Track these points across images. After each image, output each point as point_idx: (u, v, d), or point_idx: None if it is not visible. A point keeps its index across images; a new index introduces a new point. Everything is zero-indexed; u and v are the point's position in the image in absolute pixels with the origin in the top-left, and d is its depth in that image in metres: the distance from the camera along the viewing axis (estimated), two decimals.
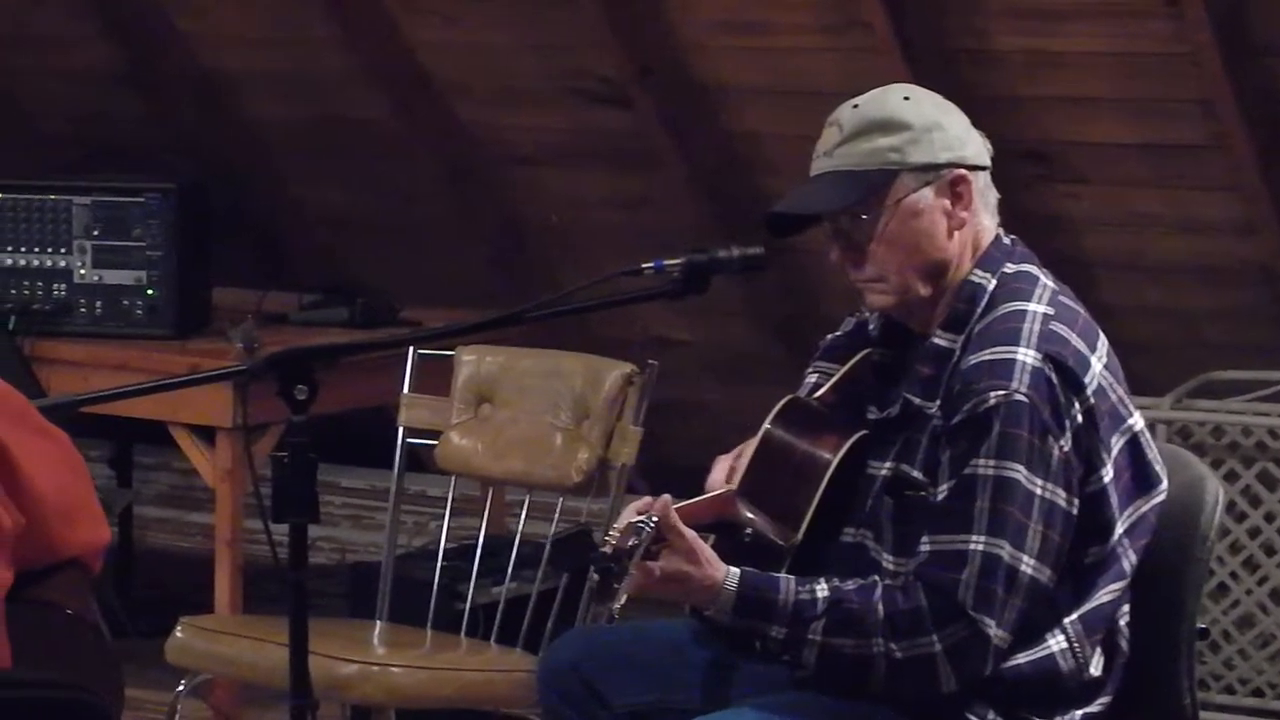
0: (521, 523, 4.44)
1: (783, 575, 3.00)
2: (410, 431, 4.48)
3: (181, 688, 4.21)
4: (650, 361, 4.26)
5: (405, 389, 4.50)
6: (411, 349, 4.49)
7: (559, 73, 5.34)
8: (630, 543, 2.94)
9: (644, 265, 3.17)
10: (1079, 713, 3.03)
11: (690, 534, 2.97)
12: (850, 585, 2.97)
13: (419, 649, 4.27)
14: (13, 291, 4.96)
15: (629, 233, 5.24)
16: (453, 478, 4.46)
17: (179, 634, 4.17)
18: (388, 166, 5.81)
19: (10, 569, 2.15)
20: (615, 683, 3.41)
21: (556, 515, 4.29)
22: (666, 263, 3.14)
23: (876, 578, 2.97)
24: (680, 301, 3.25)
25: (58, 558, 2.27)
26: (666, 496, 2.97)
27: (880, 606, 2.89)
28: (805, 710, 3.06)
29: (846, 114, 3.05)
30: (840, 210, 3.06)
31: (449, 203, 5.82)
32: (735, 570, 2.97)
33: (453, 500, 4.46)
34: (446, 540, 4.46)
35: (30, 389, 2.76)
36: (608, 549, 3.00)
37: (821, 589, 2.96)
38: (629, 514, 3.06)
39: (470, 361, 4.45)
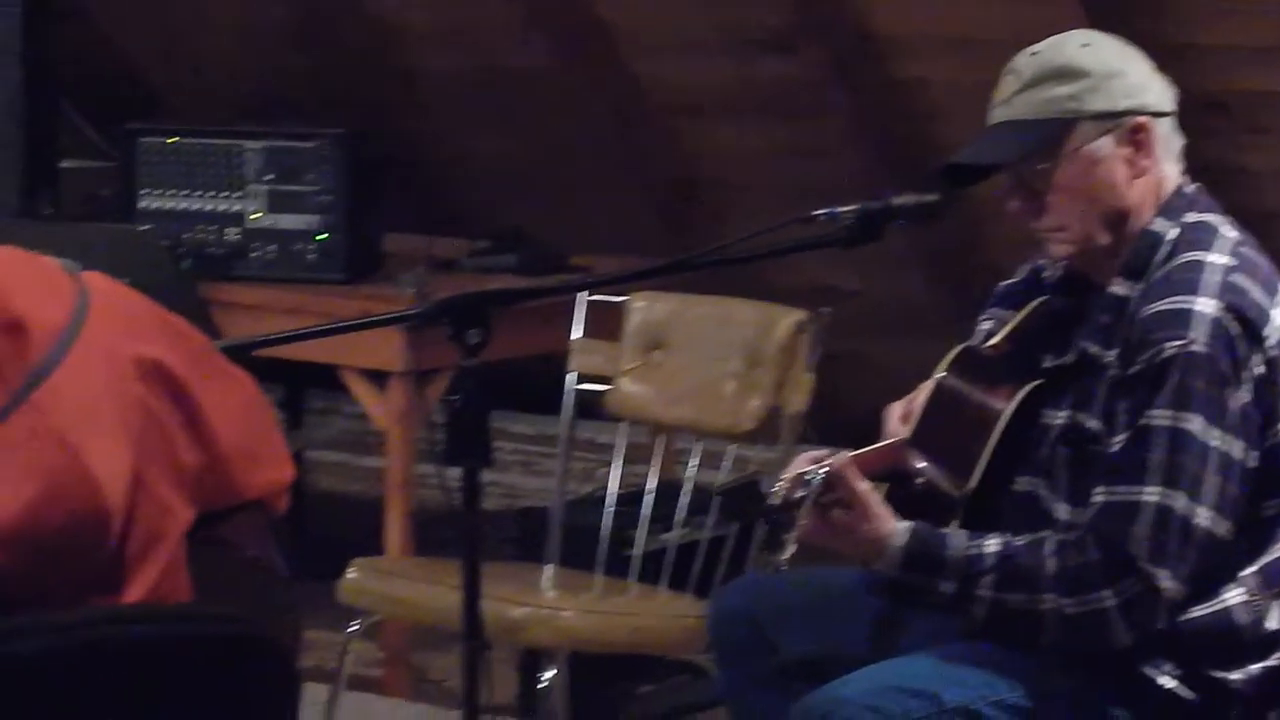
0: (691, 470, 4.47)
1: (952, 530, 3.03)
2: (581, 378, 4.50)
3: (354, 627, 4.27)
4: (823, 309, 4.27)
5: (577, 334, 4.53)
6: (583, 295, 4.52)
7: (727, 22, 5.32)
8: (799, 494, 2.97)
9: (817, 212, 3.17)
10: (1256, 667, 3.01)
11: (861, 487, 2.99)
12: (1020, 540, 2.98)
13: (590, 593, 4.32)
14: (186, 235, 5.02)
15: (796, 182, 5.24)
16: (623, 424, 4.50)
17: (352, 574, 4.23)
18: (556, 116, 5.83)
19: (192, 508, 2.18)
20: (785, 630, 3.44)
21: (727, 463, 4.32)
22: (840, 210, 3.15)
23: (1049, 532, 2.98)
24: (851, 251, 3.26)
25: (240, 498, 2.29)
26: (844, 453, 3.00)
27: (1051, 561, 2.90)
28: (977, 660, 3.08)
29: (1024, 61, 3.07)
30: (1018, 160, 3.08)
31: (616, 151, 5.84)
32: (905, 525, 2.99)
33: (623, 446, 4.50)
34: (615, 490, 4.50)
35: (208, 331, 2.80)
36: (776, 500, 3.03)
37: (991, 544, 2.98)
38: (800, 464, 3.09)
39: (642, 308, 4.46)
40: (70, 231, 3.43)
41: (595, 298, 4.50)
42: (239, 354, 2.55)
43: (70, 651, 1.97)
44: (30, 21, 4.96)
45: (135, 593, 2.10)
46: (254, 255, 5.08)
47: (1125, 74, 3.02)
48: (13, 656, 1.92)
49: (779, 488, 3.03)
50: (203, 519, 2.21)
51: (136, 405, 2.13)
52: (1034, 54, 3.05)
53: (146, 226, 4.97)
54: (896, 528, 3.00)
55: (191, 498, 2.18)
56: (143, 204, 5.12)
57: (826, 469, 2.94)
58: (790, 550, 3.11)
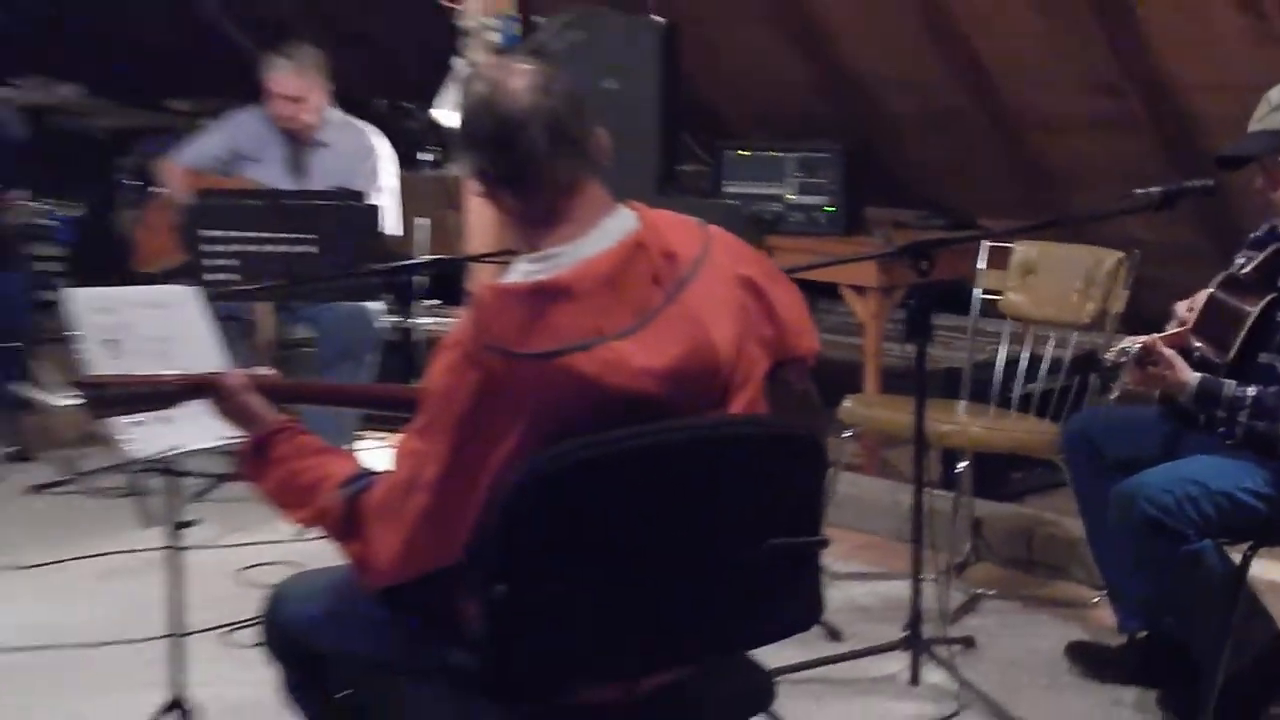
0: (1049, 348, 4.50)
1: (1226, 380, 3.13)
2: (984, 292, 4.56)
3: (847, 434, 4.39)
4: (1134, 251, 4.27)
5: (981, 266, 4.58)
6: (985, 242, 4.58)
7: (1076, 69, 5.21)
8: (1121, 359, 3.10)
9: (1138, 190, 3.27)
10: None
11: (1168, 351, 3.18)
12: (1271, 389, 3.12)
13: (986, 417, 4.35)
14: (754, 207, 5.13)
15: (1117, 170, 5.13)
16: (1007, 320, 4.54)
17: (846, 404, 4.37)
18: (966, 138, 5.76)
19: (768, 360, 2.20)
20: (1109, 442, 3.53)
21: (1073, 343, 4.37)
22: (1150, 190, 3.26)
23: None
24: (1153, 214, 3.36)
25: (793, 355, 2.28)
26: (1151, 335, 3.20)
27: None
28: (1235, 463, 3.19)
29: (1275, 92, 3.26)
30: (1264, 153, 3.24)
31: (1000, 154, 5.75)
32: (1196, 375, 3.17)
33: (1007, 333, 4.53)
34: (1003, 358, 4.53)
35: None
36: (1108, 362, 3.14)
37: (1250, 390, 3.13)
38: (1122, 341, 3.19)
39: (1021, 249, 4.50)
40: (692, 205, 3.57)
41: (993, 244, 4.56)
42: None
43: (702, 440, 2.06)
44: (666, 50, 4.99)
45: (736, 408, 2.13)
46: (791, 220, 5.17)
47: None
48: (671, 443, 2.01)
49: (1110, 354, 3.15)
50: (774, 367, 2.23)
51: (737, 301, 2.15)
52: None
53: (733, 203, 5.11)
54: (1192, 375, 3.16)
55: (767, 354, 2.20)
56: (727, 189, 5.27)
57: (1141, 342, 3.09)
58: (1116, 393, 3.22)
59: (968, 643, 3.80)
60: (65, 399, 2.28)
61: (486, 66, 2.23)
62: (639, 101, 4.99)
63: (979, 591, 4.20)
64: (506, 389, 1.97)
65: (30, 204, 5.16)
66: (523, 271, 2.05)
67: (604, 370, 1.97)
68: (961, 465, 4.19)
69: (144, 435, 2.57)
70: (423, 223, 5.55)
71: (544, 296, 1.99)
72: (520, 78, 2.08)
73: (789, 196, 5.20)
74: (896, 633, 3.62)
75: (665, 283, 2.06)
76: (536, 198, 2.09)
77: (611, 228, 2.09)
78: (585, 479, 1.95)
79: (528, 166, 2.06)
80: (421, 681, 2.19)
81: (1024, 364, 4.46)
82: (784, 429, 2.18)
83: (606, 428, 1.96)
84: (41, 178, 5.48)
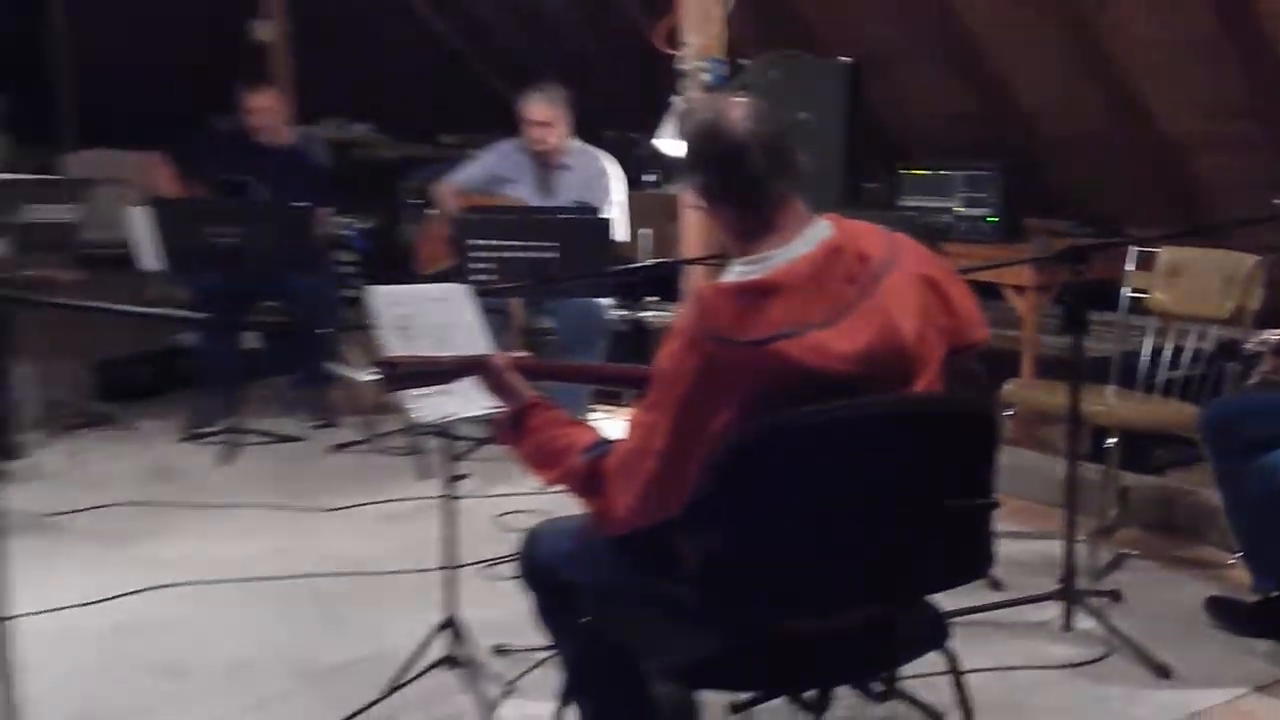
0: (1192, 340, 4.30)
1: None
2: (1133, 290, 4.39)
3: (1008, 413, 4.29)
4: (1268, 255, 4.09)
5: (1129, 267, 4.41)
6: (1133, 247, 4.42)
7: (1218, 96, 5.03)
8: (1261, 348, 2.94)
9: (1276, 200, 3.14)
10: None
11: None
12: None
13: (1133, 400, 4.20)
14: (927, 219, 5.02)
15: (1248, 179, 4.92)
16: (1151, 316, 4.36)
17: (1008, 387, 4.27)
18: (1114, 159, 5.58)
19: (945, 347, 2.17)
20: (1246, 422, 3.36)
21: (1213, 336, 4.19)
22: None
23: None
24: None
25: (966, 343, 2.25)
26: None
27: None
28: None
29: None
30: None
31: (1148, 175, 5.57)
32: None
33: (1153, 327, 4.36)
34: (1149, 349, 4.34)
35: None
36: (1248, 351, 2.99)
37: None
38: (1260, 334, 3.04)
39: (1167, 254, 4.32)
40: (873, 217, 3.51)
41: (1141, 248, 4.39)
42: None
43: (890, 414, 2.05)
44: (852, 86, 4.91)
45: (919, 387, 2.10)
46: (958, 229, 5.05)
47: None
48: (864, 416, 2.01)
49: (1250, 344, 3.00)
50: (950, 352, 2.19)
51: (920, 297, 2.12)
52: None
53: (909, 214, 5.03)
54: None
55: (945, 342, 2.17)
56: (903, 204, 5.18)
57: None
58: (1255, 379, 3.06)
59: (1114, 595, 3.67)
60: (366, 375, 2.33)
61: (707, 101, 2.24)
62: (828, 129, 4.94)
63: (1124, 551, 4.04)
64: (723, 370, 1.98)
65: (335, 219, 5.33)
66: (738, 272, 2.07)
67: (807, 354, 1.97)
68: (1110, 441, 4.04)
69: (426, 405, 2.64)
70: (645, 232, 5.60)
71: (757, 293, 2.00)
72: (738, 110, 2.11)
73: (956, 209, 5.09)
74: (1051, 585, 3.53)
75: (859, 281, 2.05)
76: (751, 211, 2.10)
77: (812, 235, 2.09)
78: (788, 445, 1.95)
79: (746, 185, 2.08)
80: (648, 609, 2.21)
81: (1168, 354, 4.28)
82: (962, 405, 2.15)
83: (807, 403, 1.95)
84: (343, 198, 5.65)
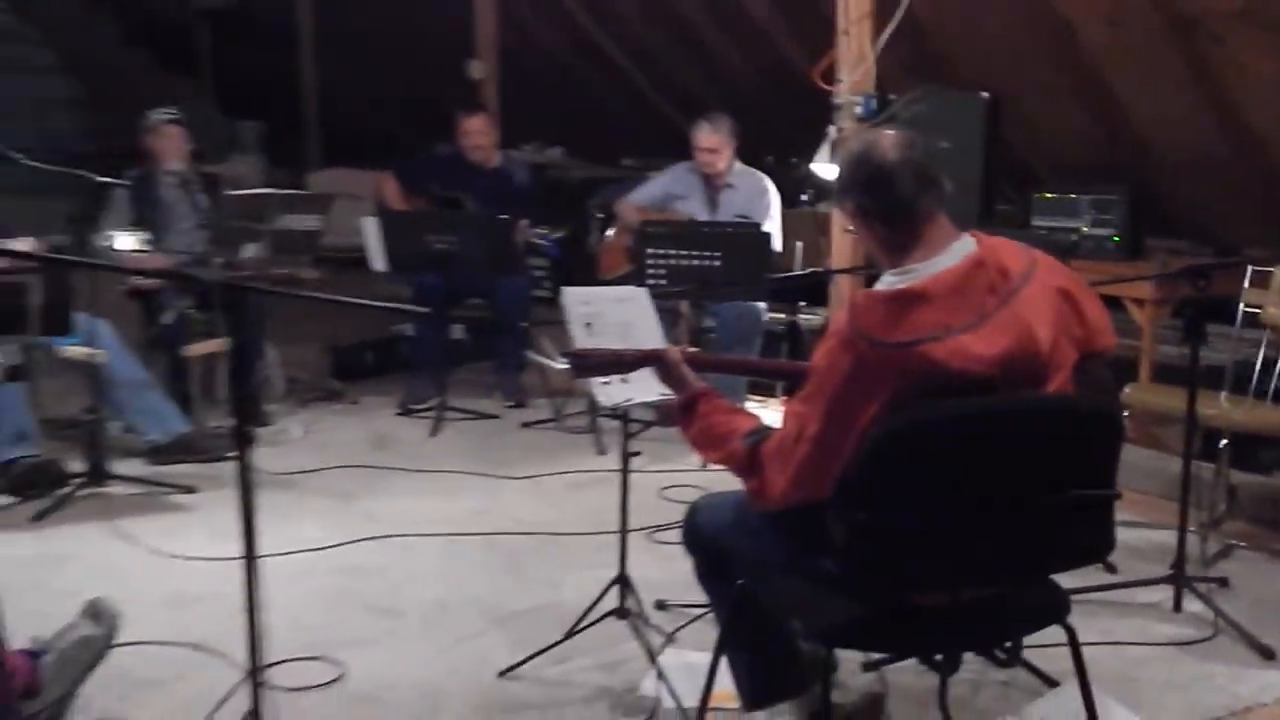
0: None
1: None
2: (1246, 305, 4.14)
3: (1125, 414, 4.08)
4: None
5: (1245, 285, 4.17)
6: (1249, 266, 4.17)
7: None
8: None
9: None
10: None
11: None
12: None
13: (1245, 405, 3.95)
14: (1054, 237, 4.83)
15: None
16: (1267, 330, 4.12)
17: (1126, 390, 4.10)
18: (1230, 179, 5.27)
19: (1075, 354, 2.10)
20: None
21: None
22: None
23: None
24: None
25: (1095, 349, 2.17)
26: None
27: None
28: None
29: None
30: None
31: (1258, 194, 5.24)
32: None
33: (1266, 339, 4.13)
34: (1261, 359, 4.10)
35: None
36: None
37: None
38: None
39: None
40: (1010, 236, 3.41)
41: (1256, 267, 4.14)
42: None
43: (1025, 410, 1.99)
44: (989, 118, 4.75)
45: (1051, 388, 2.04)
46: (1084, 247, 4.84)
47: None
48: (1000, 411, 1.96)
49: None
50: (1080, 358, 2.12)
51: (1055, 307, 2.06)
52: None
53: (1040, 233, 4.86)
54: None
55: (1076, 348, 2.10)
56: (1034, 224, 5.00)
57: None
58: None
59: (1222, 582, 3.49)
60: (558, 363, 2.34)
61: (860, 132, 2.20)
62: (967, 156, 4.79)
63: (1232, 543, 3.83)
64: (872, 368, 1.95)
65: (532, 229, 5.39)
66: (888, 282, 2.04)
67: (950, 356, 1.92)
68: (1223, 443, 3.84)
69: (609, 390, 2.65)
70: (799, 245, 5.54)
71: (905, 300, 1.97)
72: (889, 138, 2.08)
73: (1083, 229, 4.88)
74: (1162, 571, 3.38)
75: (999, 291, 2.00)
76: (900, 228, 2.06)
77: (957, 250, 2.04)
78: (931, 436, 1.91)
79: (895, 204, 2.05)
80: (796, 576, 2.18)
81: None
82: (1090, 405, 2.08)
83: (948, 400, 1.91)
84: (538, 212, 5.71)
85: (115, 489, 4.13)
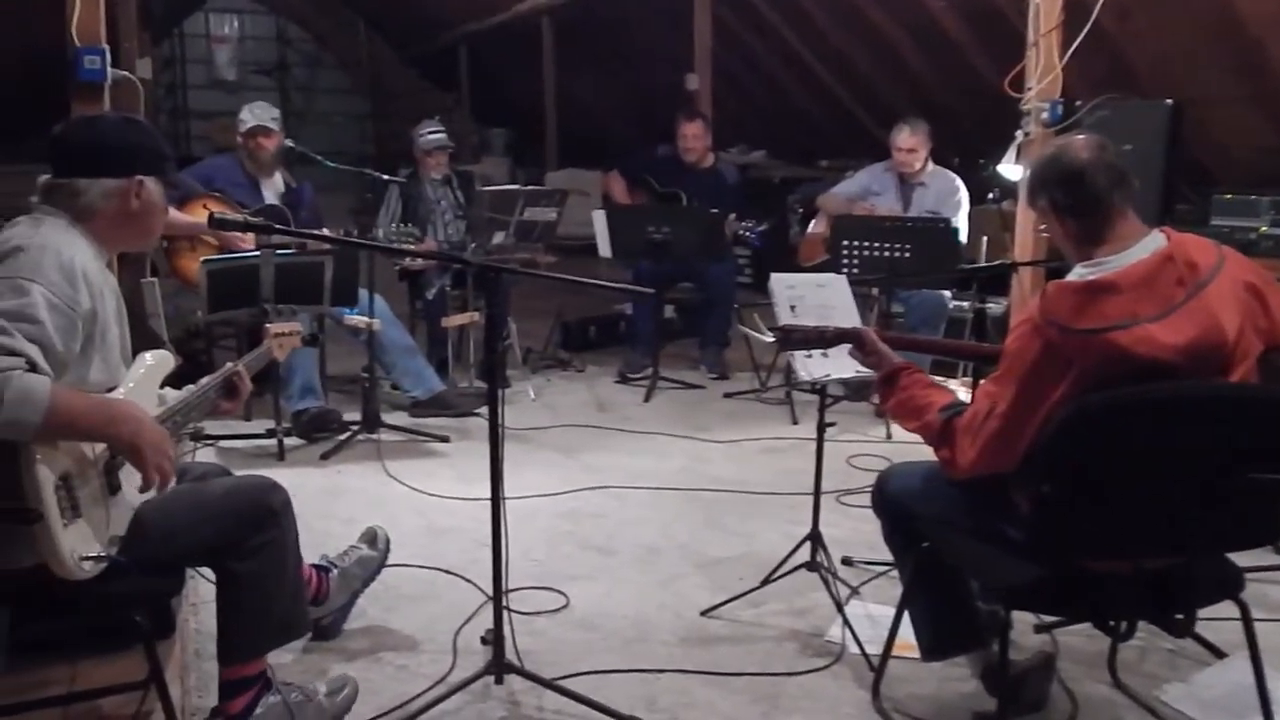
0: None
1: None
2: None
3: None
4: None
5: None
6: None
7: None
8: None
9: None
10: None
11: None
12: None
13: None
14: (1235, 236, 4.45)
15: None
16: None
17: None
18: None
19: (1261, 345, 1.95)
20: None
21: None
22: None
23: None
24: None
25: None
26: None
27: None
28: None
29: None
30: None
31: None
32: None
33: None
34: None
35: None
36: None
37: None
38: None
39: None
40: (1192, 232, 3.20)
41: None
42: None
43: (1209, 397, 1.86)
44: (1172, 124, 4.42)
45: (1235, 378, 1.91)
46: (1262, 246, 4.44)
47: None
48: (1185, 396, 1.83)
49: None
50: (1265, 350, 1.97)
51: (1242, 300, 1.93)
52: None
53: (1223, 231, 4.49)
54: None
55: (1261, 340, 1.95)
56: (1214, 223, 4.62)
57: None
58: None
59: None
60: (765, 337, 2.32)
61: (1050, 138, 2.10)
62: (1149, 159, 4.48)
63: None
64: (1062, 353, 1.86)
65: (738, 222, 5.35)
66: (1078, 273, 1.94)
67: (1136, 343, 1.83)
68: None
69: (810, 365, 2.61)
70: (984, 240, 5.32)
71: (1095, 290, 1.87)
72: (1081, 141, 2.01)
73: (1263, 229, 4.49)
74: None
75: (1187, 284, 1.88)
76: (1092, 222, 1.96)
77: (1148, 244, 1.94)
78: (1116, 416, 1.80)
79: (1089, 200, 1.95)
80: (980, 541, 2.09)
81: None
82: (1271, 394, 1.91)
83: (1133, 385, 1.81)
84: (744, 207, 5.68)
85: (384, 436, 4.31)
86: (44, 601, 1.82)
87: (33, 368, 1.69)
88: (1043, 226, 2.08)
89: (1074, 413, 1.79)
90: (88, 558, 1.79)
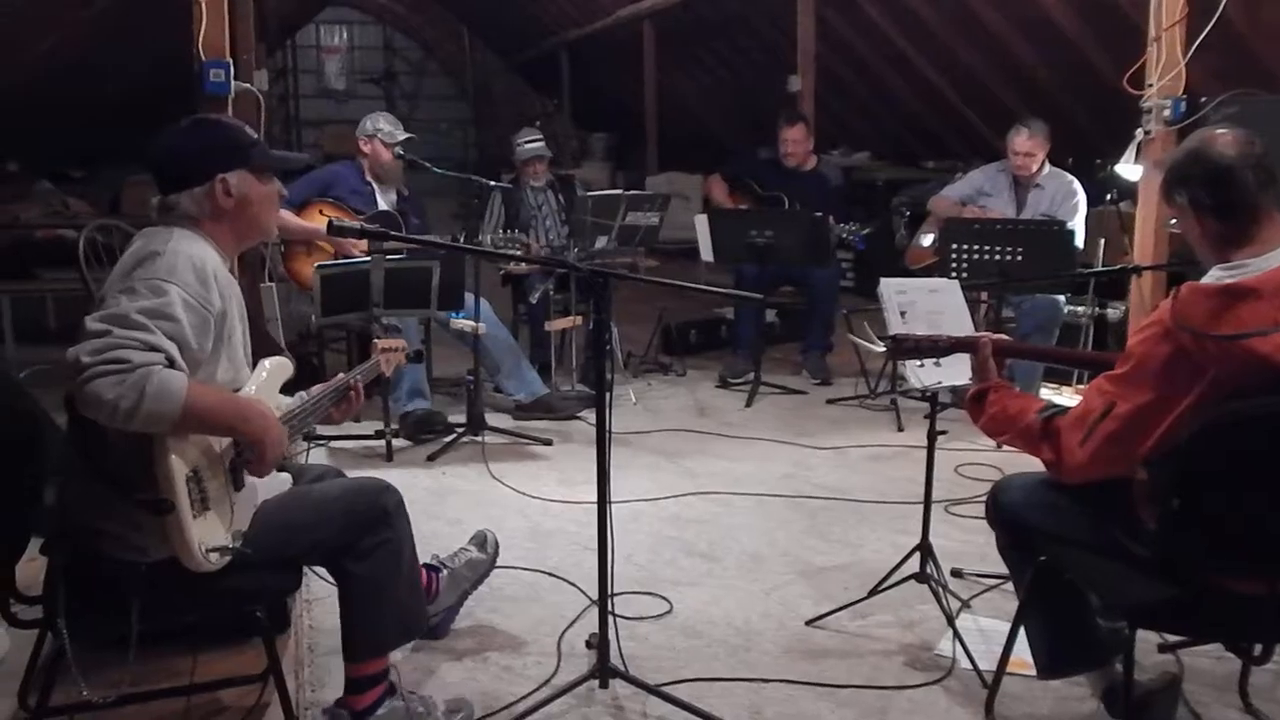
0: None
1: None
2: None
3: None
4: None
5: None
6: None
7: None
8: None
9: None
10: None
11: None
12: None
13: None
14: None
15: None
16: None
17: None
18: None
19: None
20: None
21: None
22: None
23: None
24: None
25: None
26: None
27: None
28: None
29: None
30: None
31: None
32: None
33: None
34: None
35: None
36: None
37: None
38: None
39: None
40: None
41: None
42: None
43: None
44: None
45: None
46: None
47: None
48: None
49: None
50: None
51: None
52: None
53: None
54: None
55: None
56: None
57: None
58: None
59: None
60: (877, 346, 2.28)
61: (1195, 132, 1.98)
62: (1275, 158, 4.28)
63: None
64: (1194, 359, 1.77)
65: (842, 225, 5.28)
66: (1215, 276, 1.84)
67: (1276, 351, 1.71)
68: None
69: (920, 373, 2.55)
70: (1101, 242, 5.15)
71: (1233, 295, 1.77)
72: (1226, 135, 1.89)
73: None
74: None
75: None
76: (1237, 223, 1.85)
77: None
78: (1255, 428, 1.71)
79: (1233, 200, 1.85)
80: (1102, 555, 2.02)
81: None
82: None
83: (1267, 395, 1.71)
84: (848, 210, 5.61)
85: (488, 438, 4.35)
86: (170, 594, 1.88)
87: (171, 363, 1.76)
88: (1173, 220, 1.97)
89: (1210, 423, 1.71)
90: (214, 549, 1.86)
